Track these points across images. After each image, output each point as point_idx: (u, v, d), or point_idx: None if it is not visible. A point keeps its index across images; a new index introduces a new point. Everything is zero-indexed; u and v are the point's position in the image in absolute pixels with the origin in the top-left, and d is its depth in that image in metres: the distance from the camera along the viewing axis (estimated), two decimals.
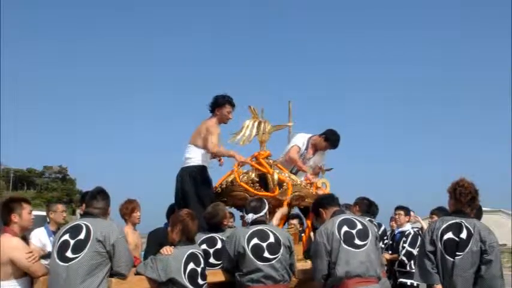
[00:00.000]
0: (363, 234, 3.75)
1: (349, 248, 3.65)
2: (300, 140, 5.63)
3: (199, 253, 3.57)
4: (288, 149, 5.62)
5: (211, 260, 3.98)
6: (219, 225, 4.17)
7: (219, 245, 4.02)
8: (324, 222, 3.92)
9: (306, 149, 5.62)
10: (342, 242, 3.66)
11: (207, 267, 3.70)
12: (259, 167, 4.82)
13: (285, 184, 4.75)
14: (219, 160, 5.08)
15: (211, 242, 4.05)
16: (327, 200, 4.06)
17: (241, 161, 4.71)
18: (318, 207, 4.05)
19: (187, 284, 3.34)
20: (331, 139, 5.59)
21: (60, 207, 5.12)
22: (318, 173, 5.70)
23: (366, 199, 5.78)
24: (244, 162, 4.78)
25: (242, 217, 4.76)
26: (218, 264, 3.96)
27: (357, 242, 3.70)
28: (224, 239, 4.00)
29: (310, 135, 5.71)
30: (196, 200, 4.58)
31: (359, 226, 3.78)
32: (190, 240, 3.58)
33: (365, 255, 3.66)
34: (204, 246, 3.97)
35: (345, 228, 3.73)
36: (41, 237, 4.79)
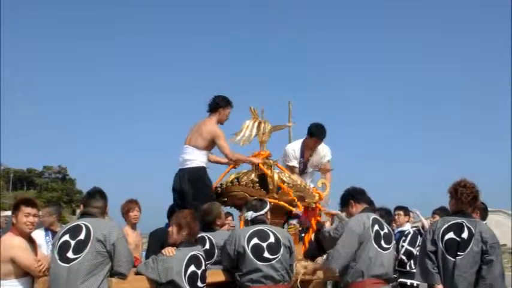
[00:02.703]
0: (388, 239, 3.85)
1: (377, 248, 3.74)
2: (289, 150, 5.67)
3: (201, 255, 3.55)
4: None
5: None
6: (211, 224, 4.16)
7: (207, 246, 3.99)
8: (350, 214, 3.96)
9: (302, 156, 5.60)
10: (372, 239, 3.73)
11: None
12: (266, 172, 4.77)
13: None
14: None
15: (200, 242, 3.98)
16: (361, 196, 4.06)
17: (260, 161, 4.78)
18: (350, 198, 4.03)
19: (186, 287, 3.32)
20: (315, 132, 5.54)
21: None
22: (328, 172, 5.69)
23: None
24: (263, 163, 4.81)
25: (240, 217, 4.74)
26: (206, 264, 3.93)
27: (383, 244, 3.79)
28: (213, 239, 4.00)
29: (301, 140, 5.69)
30: (196, 201, 4.52)
31: (386, 230, 3.88)
32: (191, 242, 3.56)
33: (387, 259, 3.77)
34: None
35: (376, 227, 3.81)
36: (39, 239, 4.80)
